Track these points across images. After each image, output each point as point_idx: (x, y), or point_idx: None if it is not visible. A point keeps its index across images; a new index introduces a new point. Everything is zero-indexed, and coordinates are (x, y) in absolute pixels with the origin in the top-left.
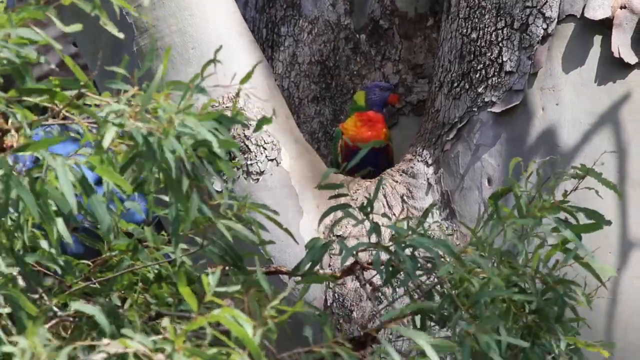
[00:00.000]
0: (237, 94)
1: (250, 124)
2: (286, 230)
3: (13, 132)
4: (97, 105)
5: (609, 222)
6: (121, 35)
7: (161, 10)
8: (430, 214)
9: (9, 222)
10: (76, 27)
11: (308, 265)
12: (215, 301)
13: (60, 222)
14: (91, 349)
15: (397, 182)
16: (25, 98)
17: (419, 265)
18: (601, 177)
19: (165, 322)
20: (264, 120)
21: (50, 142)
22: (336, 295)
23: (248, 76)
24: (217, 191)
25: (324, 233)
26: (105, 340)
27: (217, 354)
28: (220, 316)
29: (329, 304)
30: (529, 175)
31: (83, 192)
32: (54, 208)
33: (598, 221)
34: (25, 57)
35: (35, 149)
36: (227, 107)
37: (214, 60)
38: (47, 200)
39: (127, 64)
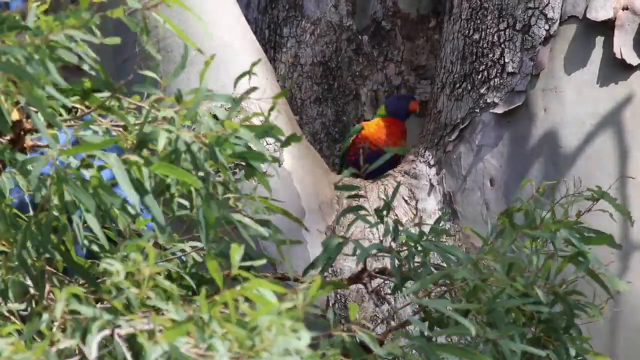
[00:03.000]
0: (271, 110)
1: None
2: (300, 223)
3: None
4: (120, 108)
5: (619, 247)
6: (159, 57)
7: (164, 11)
8: (431, 217)
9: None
10: (114, 40)
11: (323, 263)
12: (242, 275)
13: (93, 220)
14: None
15: (399, 183)
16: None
17: (429, 273)
18: (615, 202)
19: (200, 296)
20: (293, 138)
21: (100, 144)
22: (338, 295)
23: (284, 93)
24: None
25: (326, 234)
26: (131, 316)
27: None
28: (249, 288)
29: (331, 305)
30: (540, 194)
31: (136, 192)
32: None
33: (608, 244)
34: (62, 59)
35: (85, 150)
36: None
37: (250, 72)
38: (103, 199)
39: (129, 67)
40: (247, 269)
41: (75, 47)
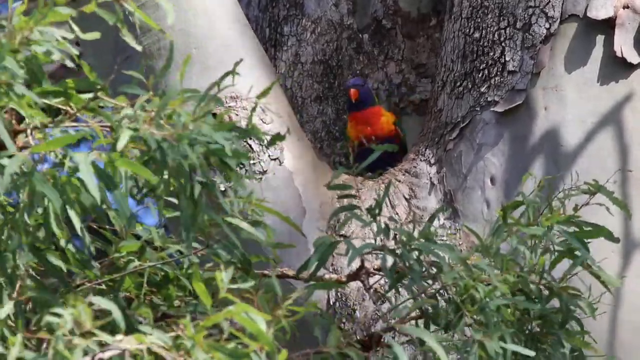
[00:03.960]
0: (254, 109)
1: (266, 138)
2: (298, 229)
3: (29, 132)
4: (112, 109)
5: (617, 240)
6: (139, 48)
7: (164, 10)
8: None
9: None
10: (94, 35)
11: (315, 264)
12: (228, 298)
13: (74, 216)
14: (104, 346)
15: (400, 181)
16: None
17: (424, 270)
18: (612, 196)
19: (185, 320)
20: (277, 137)
21: (68, 139)
22: (339, 294)
23: (266, 92)
24: (221, 191)
25: (327, 232)
26: (119, 336)
27: (236, 349)
28: (235, 312)
29: (331, 303)
30: (540, 188)
31: (105, 186)
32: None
33: (606, 236)
34: (44, 59)
35: (54, 146)
36: (229, 106)
37: (233, 72)
38: (69, 196)
39: (130, 65)
40: (247, 270)
41: (57, 45)
